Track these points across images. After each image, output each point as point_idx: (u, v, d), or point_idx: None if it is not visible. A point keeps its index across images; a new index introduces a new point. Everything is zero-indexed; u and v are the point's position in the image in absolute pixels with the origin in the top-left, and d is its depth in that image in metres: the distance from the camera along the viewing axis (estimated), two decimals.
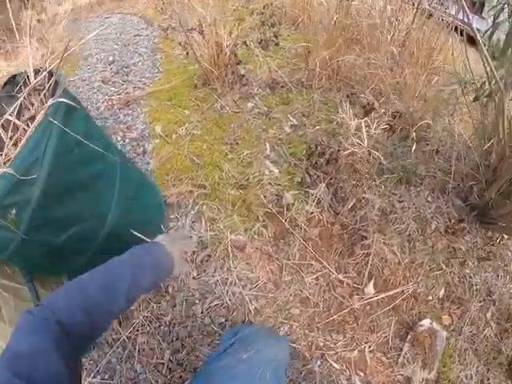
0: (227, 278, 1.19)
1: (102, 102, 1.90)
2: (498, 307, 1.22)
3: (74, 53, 2.42)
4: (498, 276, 1.29)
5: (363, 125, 1.07)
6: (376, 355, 1.09)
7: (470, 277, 1.24)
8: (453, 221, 1.31)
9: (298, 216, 1.25)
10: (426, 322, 1.12)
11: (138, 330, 1.16)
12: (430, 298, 1.18)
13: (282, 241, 1.24)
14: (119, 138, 1.65)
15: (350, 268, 1.24)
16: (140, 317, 1.16)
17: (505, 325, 1.19)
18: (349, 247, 1.27)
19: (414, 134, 1.38)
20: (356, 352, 1.09)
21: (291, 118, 1.59)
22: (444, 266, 1.23)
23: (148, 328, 1.17)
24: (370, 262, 1.23)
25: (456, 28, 1.62)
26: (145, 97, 1.84)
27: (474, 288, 1.23)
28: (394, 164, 1.42)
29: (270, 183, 1.32)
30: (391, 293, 1.18)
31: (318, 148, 1.28)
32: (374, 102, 1.10)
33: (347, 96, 1.64)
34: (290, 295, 1.18)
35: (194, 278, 1.21)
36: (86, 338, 0.54)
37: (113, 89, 1.99)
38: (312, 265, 1.21)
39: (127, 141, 1.63)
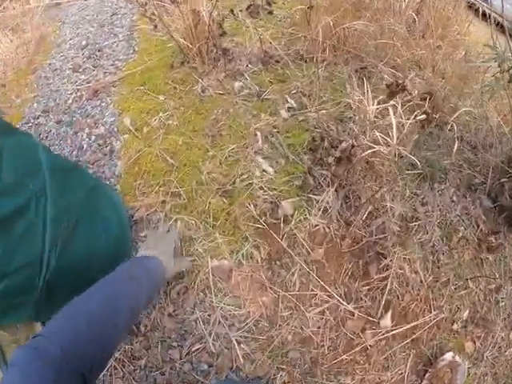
0: (209, 316, 0.92)
1: (71, 94, 1.63)
2: None
3: (49, 40, 2.16)
4: None
5: (391, 112, 0.73)
6: None
7: (496, 292, 1.13)
8: (481, 226, 1.15)
9: (298, 231, 0.96)
10: (448, 356, 1.00)
11: (111, 375, 0.95)
12: (454, 323, 1.06)
13: (277, 263, 0.96)
14: (85, 136, 1.38)
15: (362, 294, 0.97)
16: (111, 359, 0.94)
17: None
18: (362, 267, 0.98)
19: (438, 117, 1.03)
20: None
21: (289, 99, 1.26)
22: (471, 284, 1.09)
23: (122, 372, 0.95)
24: (388, 287, 0.94)
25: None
26: (116, 82, 1.55)
27: (500, 305, 1.12)
28: (418, 157, 1.08)
29: (261, 187, 1.02)
30: (411, 325, 0.99)
31: (325, 141, 0.96)
32: (404, 80, 0.75)
33: (356, 71, 1.28)
34: (289, 334, 0.91)
35: (169, 315, 0.96)
36: (96, 361, 0.47)
37: (82, 77, 1.70)
38: (316, 295, 0.93)
39: (93, 138, 1.36)
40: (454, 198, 1.17)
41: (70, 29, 2.35)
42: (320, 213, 0.96)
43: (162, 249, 0.75)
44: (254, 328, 0.90)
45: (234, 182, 1.04)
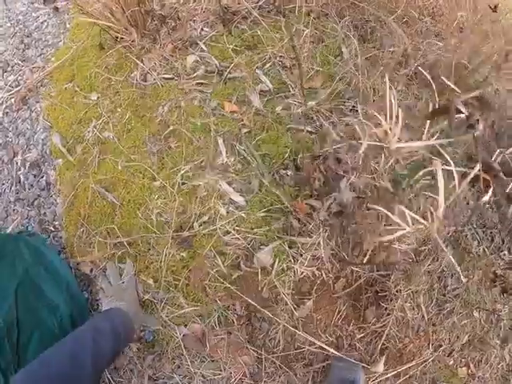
0: (190, 380, 0.75)
1: (1, 104, 1.31)
2: None
3: None
4: None
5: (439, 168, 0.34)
6: None
7: (500, 311, 1.00)
8: (496, 239, 1.00)
9: (280, 283, 0.67)
10: None
11: None
12: (451, 353, 0.93)
13: (258, 317, 0.70)
14: (20, 164, 1.10)
15: (356, 339, 0.79)
16: None
17: None
18: (358, 310, 0.71)
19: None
20: None
21: (262, 78, 0.86)
22: (475, 313, 0.95)
23: None
24: (386, 332, 0.78)
25: None
26: (45, 80, 1.20)
27: (501, 324, 0.99)
28: None
29: (228, 231, 0.71)
30: (406, 366, 0.84)
31: (316, 171, 0.61)
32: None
33: (356, 27, 0.83)
34: None
35: (149, 377, 0.79)
36: None
37: (11, 77, 1.36)
38: (304, 351, 0.68)
39: (27, 166, 1.07)
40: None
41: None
42: (308, 259, 0.65)
43: (127, 299, 0.73)
44: None
45: (191, 227, 0.73)
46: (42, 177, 1.04)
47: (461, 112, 0.37)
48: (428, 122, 0.40)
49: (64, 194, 0.94)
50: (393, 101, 0.37)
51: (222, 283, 0.69)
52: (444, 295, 0.94)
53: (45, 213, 1.00)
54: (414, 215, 0.34)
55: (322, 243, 0.63)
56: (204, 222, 0.72)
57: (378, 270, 0.78)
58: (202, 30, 1.00)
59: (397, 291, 0.81)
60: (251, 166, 0.75)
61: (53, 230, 0.96)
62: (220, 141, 0.79)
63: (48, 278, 0.81)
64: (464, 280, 0.98)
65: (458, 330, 0.96)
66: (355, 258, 0.70)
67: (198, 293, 0.71)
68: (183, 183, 0.78)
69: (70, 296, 0.80)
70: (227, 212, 0.72)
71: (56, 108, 1.07)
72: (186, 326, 0.74)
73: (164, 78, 0.94)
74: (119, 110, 0.95)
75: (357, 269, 0.73)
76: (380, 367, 0.80)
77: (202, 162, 0.79)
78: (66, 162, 0.98)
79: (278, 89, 0.85)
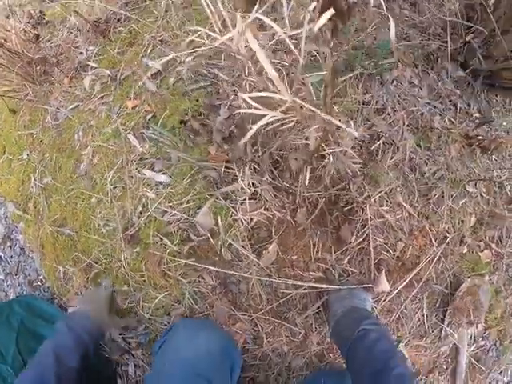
0: None
1: None
2: None
3: None
4: None
5: None
6: (413, 344, 0.82)
7: (499, 177, 0.94)
8: (458, 104, 0.94)
9: (234, 238, 0.67)
10: (462, 287, 0.85)
11: None
12: (463, 239, 0.87)
13: (231, 280, 0.70)
14: None
15: (344, 264, 0.75)
16: None
17: None
18: (332, 234, 0.69)
19: None
20: None
21: (150, 63, 0.87)
22: (470, 188, 0.89)
23: None
24: (371, 244, 0.74)
25: None
26: None
27: (507, 189, 0.92)
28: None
29: (164, 211, 0.72)
30: (414, 272, 0.79)
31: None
32: None
33: None
34: (283, 344, 0.68)
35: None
36: None
37: None
38: (292, 297, 0.67)
39: (1, 246, 1.13)
40: (415, 81, 0.86)
41: None
42: (248, 202, 0.65)
43: (95, 306, 0.72)
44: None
45: (133, 223, 0.75)
46: (16, 244, 1.09)
47: None
48: None
49: (34, 249, 0.99)
50: None
51: (179, 261, 0.71)
52: (426, 183, 0.87)
53: (29, 274, 1.05)
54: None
55: (248, 180, 0.63)
56: (140, 213, 0.74)
57: (333, 186, 0.75)
58: (87, 50, 1.03)
59: (365, 199, 0.76)
60: (164, 143, 0.77)
61: (40, 284, 1.02)
62: (130, 136, 0.81)
63: (44, 324, 0.86)
64: (441, 159, 0.90)
65: (460, 214, 0.88)
66: (297, 183, 0.68)
67: (161, 279, 0.73)
68: (114, 188, 0.80)
69: None
70: (156, 194, 0.73)
71: (1, 181, 1.13)
72: (169, 314, 0.75)
73: (71, 109, 0.98)
74: (47, 155, 0.99)
75: (308, 193, 0.71)
76: (384, 285, 0.75)
77: (121, 162, 0.81)
78: (25, 221, 1.03)
79: (166, 65, 0.86)
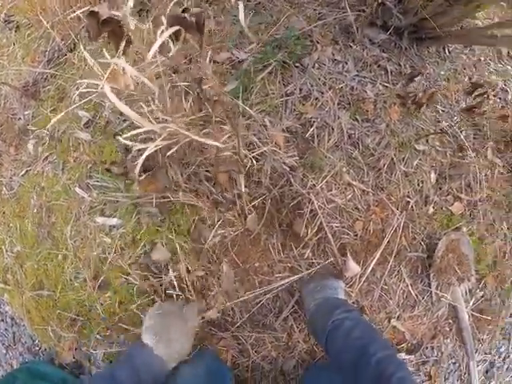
0: None
1: None
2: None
3: None
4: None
5: None
6: (405, 317, 0.83)
7: (450, 126, 0.93)
8: (388, 68, 0.93)
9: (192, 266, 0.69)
10: (440, 246, 0.84)
11: None
12: (428, 199, 0.87)
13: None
14: None
15: (307, 258, 0.76)
16: None
17: None
18: (287, 231, 0.71)
19: None
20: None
21: (80, 113, 0.90)
22: (420, 146, 0.89)
23: None
24: (328, 232, 0.74)
25: None
26: None
27: (460, 135, 0.93)
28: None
29: (120, 254, 0.74)
30: (383, 246, 0.79)
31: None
32: None
33: None
34: None
35: None
36: None
37: None
38: (263, 304, 0.68)
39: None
40: (338, 57, 0.85)
41: None
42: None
43: (168, 338, 0.59)
44: None
45: (99, 270, 0.77)
46: (6, 316, 1.12)
47: None
48: None
49: (22, 316, 1.02)
50: None
51: (150, 299, 0.73)
52: (372, 155, 0.87)
53: (25, 341, 1.08)
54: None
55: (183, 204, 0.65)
56: (104, 259, 0.77)
57: (275, 185, 0.73)
58: (24, 115, 1.05)
59: (309, 188, 0.77)
60: (108, 187, 0.79)
61: (38, 348, 1.04)
62: (77, 189, 0.84)
63: None
64: (383, 126, 0.88)
65: (416, 175, 0.88)
66: (225, 191, 0.69)
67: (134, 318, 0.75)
68: (75, 241, 0.83)
69: None
70: (111, 238, 0.76)
71: None
72: None
73: (21, 175, 1.00)
74: (11, 224, 1.02)
75: (253, 199, 0.73)
76: (353, 267, 0.73)
77: (75, 215, 0.83)
78: (8, 292, 1.05)
79: (96, 112, 0.89)
